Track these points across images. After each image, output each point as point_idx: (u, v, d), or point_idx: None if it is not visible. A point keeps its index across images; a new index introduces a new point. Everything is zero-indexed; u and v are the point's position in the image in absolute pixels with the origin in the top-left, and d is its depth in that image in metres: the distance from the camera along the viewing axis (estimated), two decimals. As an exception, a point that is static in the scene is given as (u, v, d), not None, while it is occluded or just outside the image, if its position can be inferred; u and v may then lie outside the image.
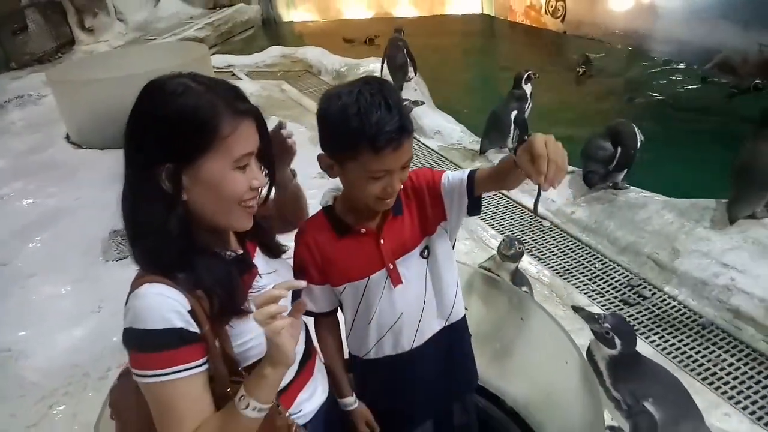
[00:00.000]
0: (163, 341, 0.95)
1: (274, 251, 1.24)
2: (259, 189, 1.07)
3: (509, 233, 3.31)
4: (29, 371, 2.38)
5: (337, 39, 8.02)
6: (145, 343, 0.95)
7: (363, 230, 1.31)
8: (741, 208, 2.81)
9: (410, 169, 1.27)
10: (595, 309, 2.68)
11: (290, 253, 1.33)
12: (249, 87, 5.63)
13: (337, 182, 1.37)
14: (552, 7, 7.83)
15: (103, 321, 2.61)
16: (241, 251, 1.15)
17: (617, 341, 1.58)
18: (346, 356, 1.54)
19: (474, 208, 1.34)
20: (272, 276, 1.19)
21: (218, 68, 6.44)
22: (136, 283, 1.00)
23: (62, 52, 8.29)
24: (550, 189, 1.03)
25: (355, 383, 1.52)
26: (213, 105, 0.98)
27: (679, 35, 6.37)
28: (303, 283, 1.05)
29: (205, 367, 1.00)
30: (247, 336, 1.07)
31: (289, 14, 10.11)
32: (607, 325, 1.56)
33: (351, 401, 1.51)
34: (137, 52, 5.91)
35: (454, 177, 1.34)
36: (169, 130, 0.98)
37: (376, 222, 1.32)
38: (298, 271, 1.32)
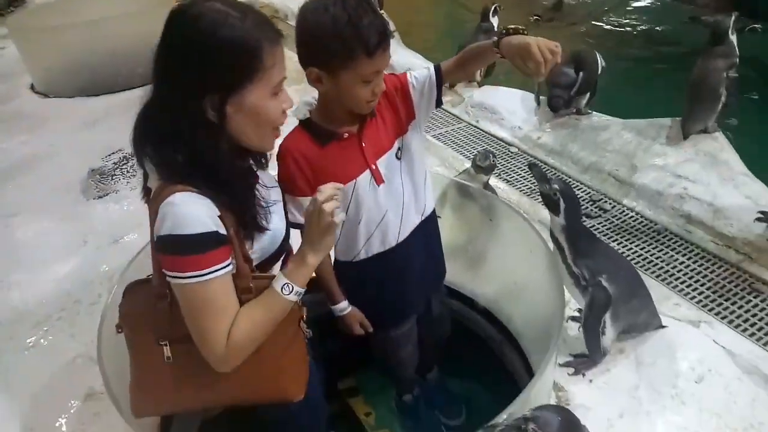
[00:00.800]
0: (202, 244, 1.02)
1: (263, 162, 1.30)
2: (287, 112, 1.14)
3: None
4: (22, 301, 2.46)
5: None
6: (186, 247, 1.01)
7: (346, 135, 1.40)
8: (693, 124, 2.99)
9: None
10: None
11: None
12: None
13: (309, 98, 1.46)
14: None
15: (90, 253, 2.69)
16: (248, 163, 1.22)
17: (561, 205, 1.68)
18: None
19: (439, 100, 1.47)
20: (274, 191, 1.28)
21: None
22: (164, 193, 1.03)
23: (15, 5, 7.96)
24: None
25: (345, 289, 1.63)
26: (256, 36, 1.02)
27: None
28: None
29: (232, 266, 1.08)
30: (263, 240, 1.17)
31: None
32: (555, 186, 1.68)
33: (344, 306, 1.62)
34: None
35: (420, 75, 1.45)
36: (217, 61, 1.01)
37: (356, 126, 1.43)
38: (287, 187, 1.39)
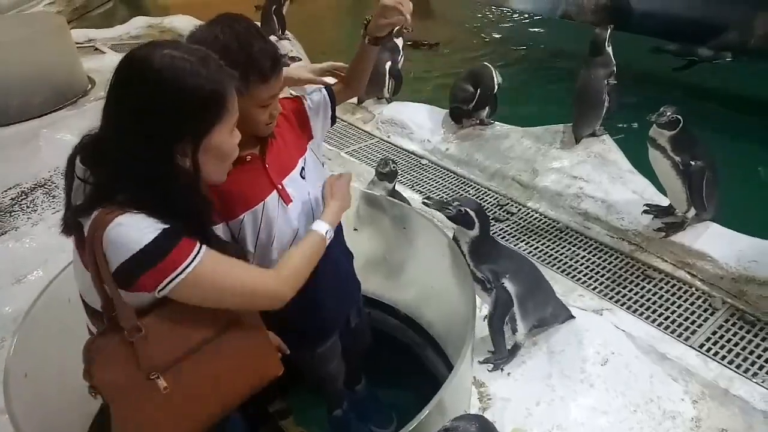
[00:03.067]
0: (169, 240, 1.02)
1: None
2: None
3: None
4: None
5: (203, 7, 7.77)
6: (157, 252, 1.01)
7: (249, 157, 1.41)
8: (583, 129, 3.26)
9: None
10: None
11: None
12: (114, 59, 5.36)
13: None
14: (415, -34, 8.11)
15: (-9, 295, 2.53)
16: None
17: (474, 218, 1.79)
18: None
19: (333, 118, 1.54)
20: None
21: (79, 43, 6.05)
22: (106, 219, 1.01)
23: None
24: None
25: (264, 313, 1.65)
26: (219, 81, 1.06)
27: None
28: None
29: (205, 247, 1.09)
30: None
31: (148, -15, 9.59)
32: (458, 203, 1.78)
33: None
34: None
35: (315, 96, 1.51)
36: (187, 111, 1.04)
37: (257, 148, 1.44)
38: None
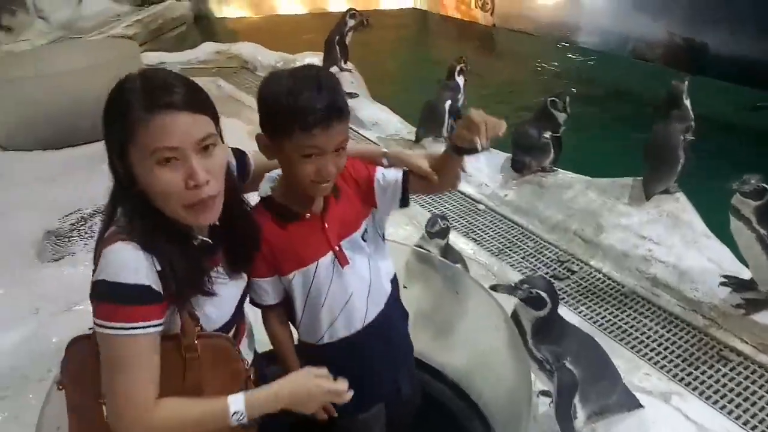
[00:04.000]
0: (134, 297, 1.00)
1: (237, 265, 1.26)
2: (204, 187, 1.03)
3: (448, 218, 3.43)
4: (-35, 377, 2.30)
5: (271, 35, 7.96)
6: (115, 295, 1.00)
7: (308, 215, 1.36)
8: (655, 185, 3.05)
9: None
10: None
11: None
12: (183, 84, 5.53)
13: (273, 174, 1.42)
14: (481, 1, 8.06)
15: (42, 323, 2.54)
16: (207, 239, 1.16)
17: (546, 297, 1.67)
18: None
19: (405, 202, 1.44)
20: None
21: (150, 65, 6.29)
22: (108, 240, 1.04)
23: (-19, 48, 7.86)
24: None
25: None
26: (129, 96, 1.01)
27: (600, 24, 6.71)
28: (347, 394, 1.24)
29: (161, 327, 1.05)
30: (209, 309, 1.13)
31: (221, 10, 9.96)
32: (527, 285, 1.67)
33: None
34: (64, 49, 5.69)
35: (388, 175, 1.41)
36: (106, 119, 1.05)
37: (319, 206, 1.38)
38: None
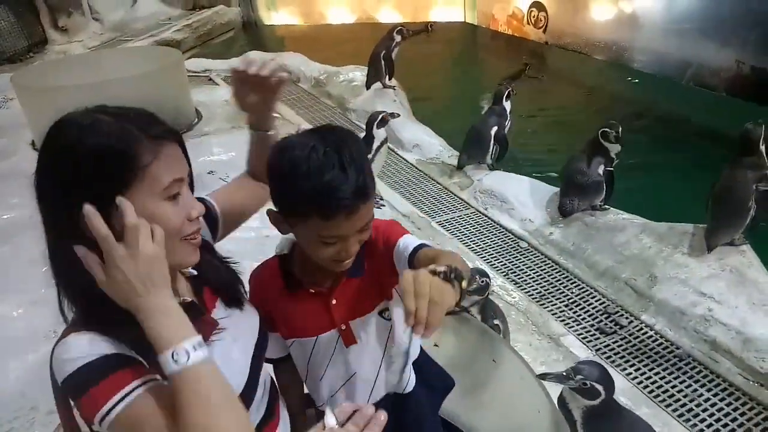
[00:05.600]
0: (106, 366, 0.86)
1: (231, 299, 1.13)
2: (199, 218, 0.99)
3: (487, 254, 3.24)
4: (-27, 402, 2.23)
5: (318, 43, 7.90)
6: (90, 377, 0.85)
7: (312, 291, 1.21)
8: (719, 236, 2.76)
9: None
10: (559, 367, 2.62)
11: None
12: (225, 93, 5.48)
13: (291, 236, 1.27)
14: (534, 17, 7.80)
15: (57, 348, 2.47)
16: (189, 299, 1.04)
17: (601, 389, 1.49)
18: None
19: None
20: (227, 321, 1.08)
21: (193, 72, 6.29)
22: (58, 341, 0.91)
23: (34, 51, 8.05)
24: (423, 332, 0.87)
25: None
26: (127, 132, 0.90)
27: (658, 47, 6.37)
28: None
29: (156, 380, 0.89)
30: None
31: (270, 17, 9.96)
32: (581, 377, 1.48)
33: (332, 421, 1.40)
34: (108, 56, 5.72)
35: (403, 245, 1.21)
36: (86, 169, 0.88)
37: (329, 282, 1.22)
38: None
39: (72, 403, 0.92)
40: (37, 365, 2.36)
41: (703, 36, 5.78)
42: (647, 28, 6.51)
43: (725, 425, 2.16)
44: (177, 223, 0.94)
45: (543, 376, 1.51)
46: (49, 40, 8.26)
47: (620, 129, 3.22)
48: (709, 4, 5.84)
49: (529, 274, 3.08)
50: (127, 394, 0.85)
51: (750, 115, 2.74)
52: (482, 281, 2.12)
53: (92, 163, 0.87)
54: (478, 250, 3.28)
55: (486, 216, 3.62)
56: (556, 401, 1.57)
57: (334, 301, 1.21)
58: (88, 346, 0.87)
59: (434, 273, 0.92)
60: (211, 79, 6.47)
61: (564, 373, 1.54)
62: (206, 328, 1.01)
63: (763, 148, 2.67)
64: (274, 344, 1.28)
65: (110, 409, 0.85)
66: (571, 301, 2.88)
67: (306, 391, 1.40)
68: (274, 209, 1.11)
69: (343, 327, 1.23)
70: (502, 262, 3.18)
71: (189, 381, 0.83)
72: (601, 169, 3.26)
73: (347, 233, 1.05)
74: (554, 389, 1.63)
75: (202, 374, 0.84)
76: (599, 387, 1.48)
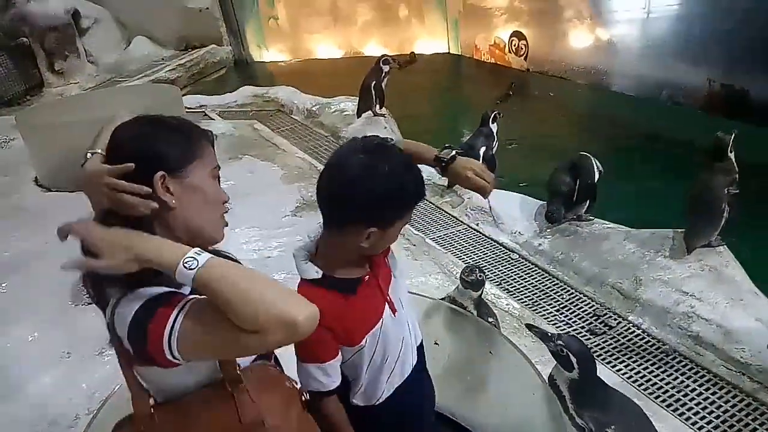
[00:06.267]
0: (161, 297, 1.00)
1: None
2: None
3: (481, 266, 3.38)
4: (-6, 421, 2.32)
5: (308, 77, 8.15)
6: (154, 305, 0.98)
7: (367, 277, 1.35)
8: (697, 238, 2.94)
9: None
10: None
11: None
12: (221, 126, 5.67)
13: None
14: (515, 45, 8.11)
15: (72, 367, 2.56)
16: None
17: (574, 361, 1.61)
18: None
19: None
20: None
21: (190, 108, 6.48)
22: (115, 305, 1.04)
23: (31, 94, 8.22)
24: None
25: None
26: (187, 128, 1.15)
27: (635, 70, 6.66)
28: None
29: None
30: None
31: (260, 54, 10.25)
32: (560, 342, 1.61)
33: None
34: (108, 94, 5.93)
35: None
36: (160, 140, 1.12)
37: (365, 266, 1.37)
38: (312, 355, 1.30)
39: (139, 344, 0.99)
40: (56, 381, 2.47)
41: (676, 57, 6.08)
42: (624, 53, 6.82)
43: (711, 412, 2.28)
44: (222, 196, 1.17)
45: (530, 327, 1.65)
46: (46, 83, 8.44)
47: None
48: (681, 27, 6.16)
49: (522, 283, 3.22)
50: (184, 305, 0.96)
51: (721, 128, 2.94)
52: (479, 276, 2.25)
53: (161, 144, 1.11)
54: (472, 263, 3.42)
55: (478, 231, 3.78)
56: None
57: (380, 280, 1.37)
58: (141, 294, 1.01)
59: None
60: (206, 114, 6.68)
61: (549, 334, 1.67)
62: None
63: (732, 154, 2.86)
64: (336, 371, 1.33)
65: (174, 320, 0.95)
66: (562, 306, 3.02)
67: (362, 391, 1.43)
68: (367, 231, 1.24)
69: (389, 297, 1.38)
70: (495, 273, 3.33)
71: (211, 273, 0.92)
72: (583, 182, 3.44)
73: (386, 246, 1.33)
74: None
75: (217, 264, 0.94)
76: (573, 360, 1.59)
